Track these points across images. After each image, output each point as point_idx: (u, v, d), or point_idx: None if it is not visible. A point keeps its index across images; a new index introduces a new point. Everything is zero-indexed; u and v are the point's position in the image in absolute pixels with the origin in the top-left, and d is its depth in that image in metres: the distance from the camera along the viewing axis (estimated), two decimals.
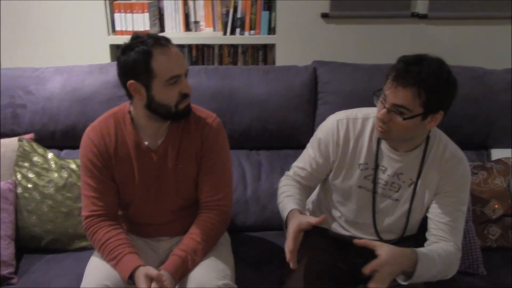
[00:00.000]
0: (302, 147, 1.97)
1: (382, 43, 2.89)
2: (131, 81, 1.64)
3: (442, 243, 1.70)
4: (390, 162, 1.78)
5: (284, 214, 1.74)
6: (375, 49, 2.89)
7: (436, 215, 1.75)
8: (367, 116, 1.82)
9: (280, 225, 2.04)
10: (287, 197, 1.81)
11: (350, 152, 1.82)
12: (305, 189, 1.93)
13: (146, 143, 1.79)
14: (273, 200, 2.26)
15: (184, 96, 1.70)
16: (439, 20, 2.85)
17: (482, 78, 2.40)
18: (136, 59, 1.61)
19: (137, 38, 1.65)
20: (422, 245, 1.73)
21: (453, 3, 2.80)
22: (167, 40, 1.66)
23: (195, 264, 1.74)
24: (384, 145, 1.78)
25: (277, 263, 2.01)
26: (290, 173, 1.95)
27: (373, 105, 1.74)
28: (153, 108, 1.70)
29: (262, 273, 1.99)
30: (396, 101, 1.59)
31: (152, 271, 1.64)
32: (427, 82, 1.55)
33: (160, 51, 1.62)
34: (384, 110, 1.62)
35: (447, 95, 1.62)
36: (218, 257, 1.80)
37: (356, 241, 1.60)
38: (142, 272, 1.63)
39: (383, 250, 1.54)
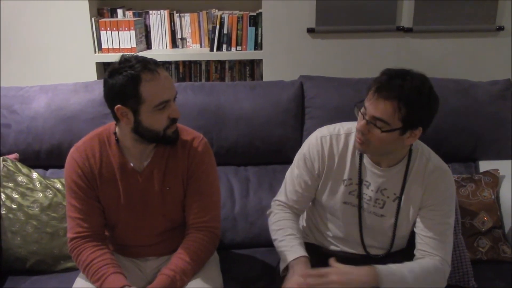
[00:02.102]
0: (290, 162, 1.96)
1: (368, 57, 2.90)
2: (118, 106, 1.62)
3: (426, 259, 1.69)
4: (373, 177, 1.78)
5: (290, 256, 1.71)
6: (361, 63, 2.91)
7: (421, 230, 1.74)
8: (349, 132, 1.81)
9: (269, 242, 2.03)
10: (289, 235, 1.78)
11: (335, 168, 1.81)
12: (298, 217, 1.92)
13: (131, 164, 1.76)
14: (262, 217, 2.26)
15: (173, 121, 1.68)
16: (424, 33, 2.87)
17: (467, 90, 2.42)
18: (124, 84, 1.58)
19: (125, 61, 1.61)
20: (411, 260, 1.72)
21: (438, 17, 2.83)
22: (156, 64, 1.62)
23: (183, 284, 1.71)
24: (366, 160, 1.78)
25: (267, 280, 2.00)
26: (281, 198, 1.90)
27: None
28: (140, 132, 1.67)
29: None
30: (375, 113, 1.58)
31: None
32: (408, 97, 1.54)
33: (149, 76, 1.58)
34: (363, 122, 1.62)
35: (427, 112, 1.61)
36: (206, 277, 1.77)
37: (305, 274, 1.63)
38: None
39: (334, 275, 1.58)
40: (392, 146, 1.67)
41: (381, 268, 1.62)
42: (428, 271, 1.66)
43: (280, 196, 1.92)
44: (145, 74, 1.58)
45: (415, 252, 1.75)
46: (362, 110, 1.64)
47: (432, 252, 1.69)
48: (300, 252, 1.72)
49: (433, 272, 1.67)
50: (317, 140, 1.82)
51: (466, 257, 2.00)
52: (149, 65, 1.60)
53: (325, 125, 1.88)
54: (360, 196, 1.80)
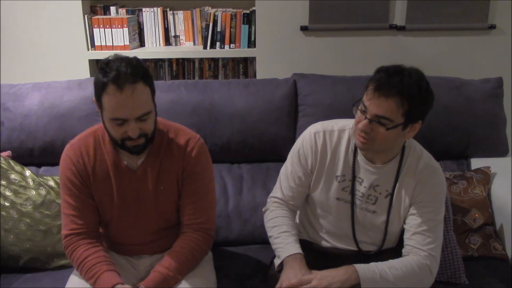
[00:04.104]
0: (283, 159, 1.97)
1: (361, 55, 2.92)
2: (94, 98, 1.64)
3: (410, 256, 1.71)
4: (366, 174, 1.79)
5: (285, 252, 1.73)
6: (354, 61, 2.92)
7: (411, 226, 1.76)
8: (343, 128, 1.83)
9: (262, 239, 2.04)
10: (284, 232, 1.80)
11: (328, 164, 1.82)
12: (294, 213, 1.94)
13: (125, 162, 1.76)
14: (255, 214, 2.26)
15: (129, 138, 1.63)
16: (416, 31, 2.89)
17: (459, 88, 2.43)
18: (96, 83, 1.58)
19: (110, 62, 1.56)
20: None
21: (430, 15, 2.85)
22: (131, 79, 1.54)
23: (177, 282, 1.71)
24: (360, 157, 1.79)
25: (260, 277, 2.00)
26: (277, 195, 1.92)
27: (352, 117, 1.75)
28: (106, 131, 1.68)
29: None
30: (378, 111, 1.59)
31: None
32: (409, 92, 1.57)
33: (112, 90, 1.53)
34: (365, 121, 1.63)
35: (427, 105, 1.65)
36: (200, 274, 1.78)
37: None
38: None
39: (315, 280, 1.62)
40: (394, 142, 1.70)
41: (359, 265, 1.65)
42: (412, 267, 1.68)
43: (276, 192, 1.93)
44: (110, 85, 1.54)
45: (403, 248, 1.76)
46: (361, 107, 1.65)
47: (419, 248, 1.71)
48: (295, 249, 1.74)
49: (416, 269, 1.68)
50: (310, 136, 1.84)
51: (458, 253, 2.02)
52: (121, 78, 1.53)
53: (319, 121, 1.89)
54: (353, 193, 1.81)
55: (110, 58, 1.60)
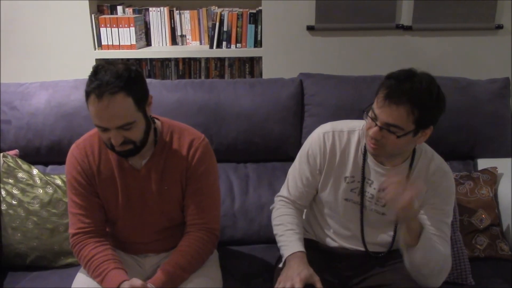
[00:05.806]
0: (289, 159, 1.97)
1: (367, 54, 2.91)
2: None
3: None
4: (376, 176, 1.79)
5: (288, 250, 1.74)
6: (361, 60, 2.92)
7: None
8: (353, 129, 1.82)
9: (268, 239, 2.04)
10: (289, 230, 1.81)
11: (337, 164, 1.82)
12: (301, 212, 1.93)
13: (129, 162, 1.77)
14: (261, 214, 2.27)
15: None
16: (423, 31, 2.88)
17: (466, 88, 2.42)
18: (85, 90, 1.58)
19: (98, 69, 1.56)
20: None
21: (437, 15, 2.84)
22: (111, 89, 1.53)
23: (183, 281, 1.72)
24: (370, 159, 1.79)
25: (266, 276, 2.00)
26: (283, 194, 1.92)
27: (359, 118, 1.74)
28: None
29: (251, 287, 1.97)
30: (388, 120, 1.58)
31: (136, 281, 1.62)
32: (420, 99, 1.55)
33: (93, 99, 1.54)
34: (376, 128, 1.62)
35: (438, 111, 1.63)
36: (206, 273, 1.79)
37: None
38: (127, 285, 1.62)
39: None
40: (405, 148, 1.70)
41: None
42: (445, 254, 1.71)
43: (283, 191, 1.94)
44: (91, 94, 1.54)
45: None
46: (371, 114, 1.64)
47: None
48: (297, 247, 1.74)
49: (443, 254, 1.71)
50: (319, 136, 1.83)
51: (464, 254, 2.01)
52: (101, 88, 1.53)
53: (329, 122, 1.88)
54: (362, 194, 1.81)
55: (100, 65, 1.59)
